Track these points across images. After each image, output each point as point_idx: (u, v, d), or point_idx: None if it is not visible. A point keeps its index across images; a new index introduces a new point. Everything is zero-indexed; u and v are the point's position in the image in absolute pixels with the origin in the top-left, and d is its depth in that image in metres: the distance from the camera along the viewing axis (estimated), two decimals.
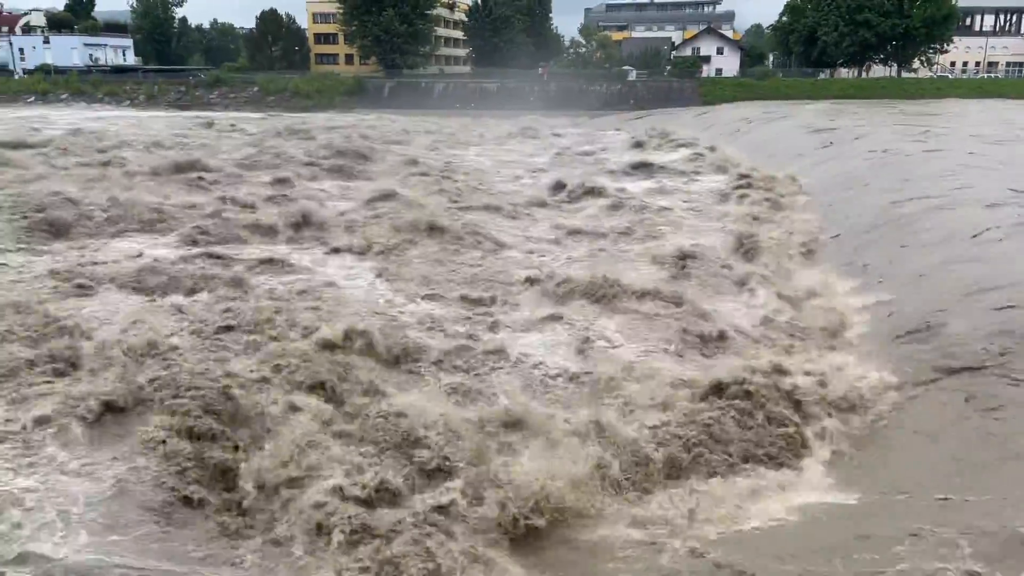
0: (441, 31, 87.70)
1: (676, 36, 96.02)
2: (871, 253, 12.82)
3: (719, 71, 77.02)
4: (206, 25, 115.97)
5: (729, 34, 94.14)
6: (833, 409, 7.73)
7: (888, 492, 6.28)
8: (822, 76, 69.51)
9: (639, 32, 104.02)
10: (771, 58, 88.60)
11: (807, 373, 8.39)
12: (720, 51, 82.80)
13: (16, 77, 72.82)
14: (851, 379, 8.23)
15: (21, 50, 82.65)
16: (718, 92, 59.01)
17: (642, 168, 24.80)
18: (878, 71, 72.10)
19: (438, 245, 14.34)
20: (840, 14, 65.31)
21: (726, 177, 22.32)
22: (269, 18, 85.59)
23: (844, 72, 72.93)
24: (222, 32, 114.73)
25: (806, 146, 25.56)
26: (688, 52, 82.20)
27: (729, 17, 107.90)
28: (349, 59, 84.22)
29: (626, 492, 6.53)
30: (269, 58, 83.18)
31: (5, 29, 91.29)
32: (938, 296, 9.74)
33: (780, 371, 8.23)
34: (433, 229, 14.92)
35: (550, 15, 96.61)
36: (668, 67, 76.08)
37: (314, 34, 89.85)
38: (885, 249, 12.67)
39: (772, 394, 7.67)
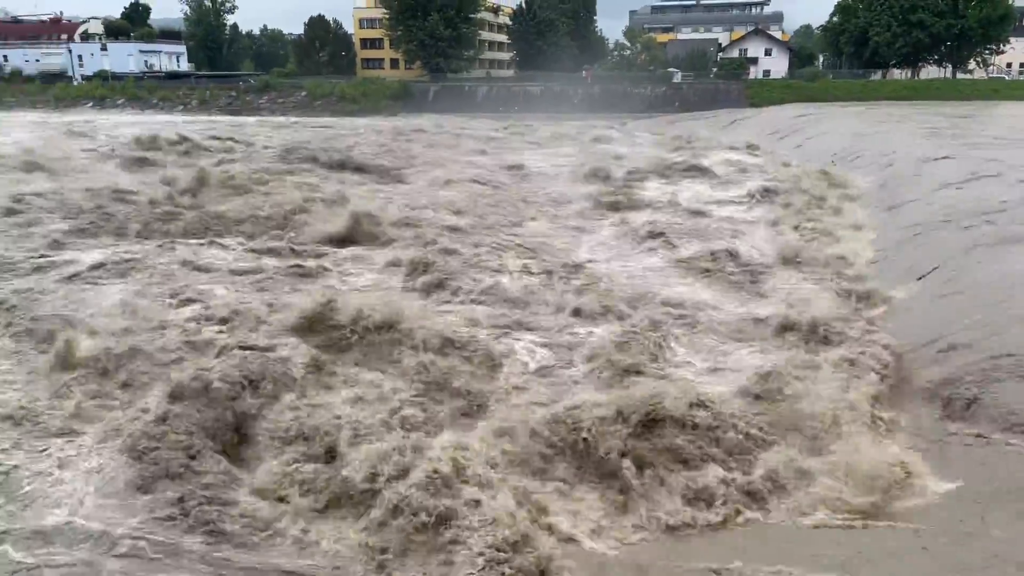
0: (485, 35, 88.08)
1: (723, 37, 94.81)
2: None
3: (767, 73, 75.82)
4: (256, 31, 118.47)
5: (778, 35, 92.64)
6: None
7: None
8: (874, 77, 67.93)
9: (685, 34, 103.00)
10: (821, 59, 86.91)
11: None
12: (768, 52, 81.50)
13: (75, 83, 75.30)
14: None
15: (80, 57, 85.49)
16: (765, 94, 58.11)
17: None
18: (931, 72, 70.21)
19: None
20: (893, 14, 63.78)
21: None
22: (317, 24, 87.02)
23: (897, 73, 71.18)
24: (271, 38, 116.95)
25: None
26: (735, 54, 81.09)
27: (778, 18, 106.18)
28: (395, 64, 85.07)
29: None
30: (317, 63, 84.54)
31: (64, 37, 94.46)
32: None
33: None
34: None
35: (594, 18, 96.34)
36: (714, 69, 75.19)
37: (360, 39, 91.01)
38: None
39: None
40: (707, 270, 13.05)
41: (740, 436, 7.01)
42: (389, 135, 36.42)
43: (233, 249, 14.25)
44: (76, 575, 5.40)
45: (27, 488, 6.36)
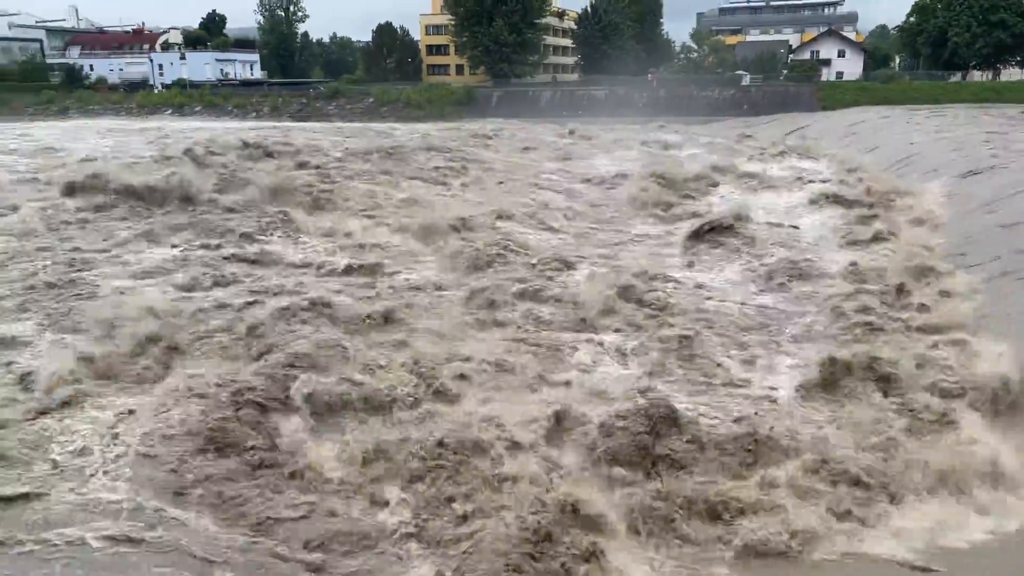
0: (549, 40, 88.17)
1: (794, 39, 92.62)
2: None
3: (840, 75, 73.70)
4: (326, 39, 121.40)
5: (851, 36, 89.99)
6: None
7: None
8: (953, 79, 65.24)
9: (754, 35, 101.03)
10: (897, 61, 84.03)
11: None
12: (841, 54, 79.22)
13: (156, 91, 78.54)
14: None
15: (160, 66, 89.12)
16: (838, 96, 56.38)
17: None
18: (1013, 74, 67.08)
19: None
20: (973, 14, 61.24)
21: None
22: (384, 31, 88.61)
23: (976, 75, 68.21)
24: (341, 46, 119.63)
25: None
26: (807, 55, 79.13)
27: (852, 18, 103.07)
28: (460, 70, 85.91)
29: None
30: (383, 70, 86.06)
31: (146, 47, 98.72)
32: None
33: None
34: None
35: (661, 21, 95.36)
36: (784, 71, 73.46)
37: (426, 46, 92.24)
38: None
39: None
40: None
41: None
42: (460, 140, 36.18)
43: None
44: None
45: None
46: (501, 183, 23.59)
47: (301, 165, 24.57)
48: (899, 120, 36.27)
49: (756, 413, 8.10)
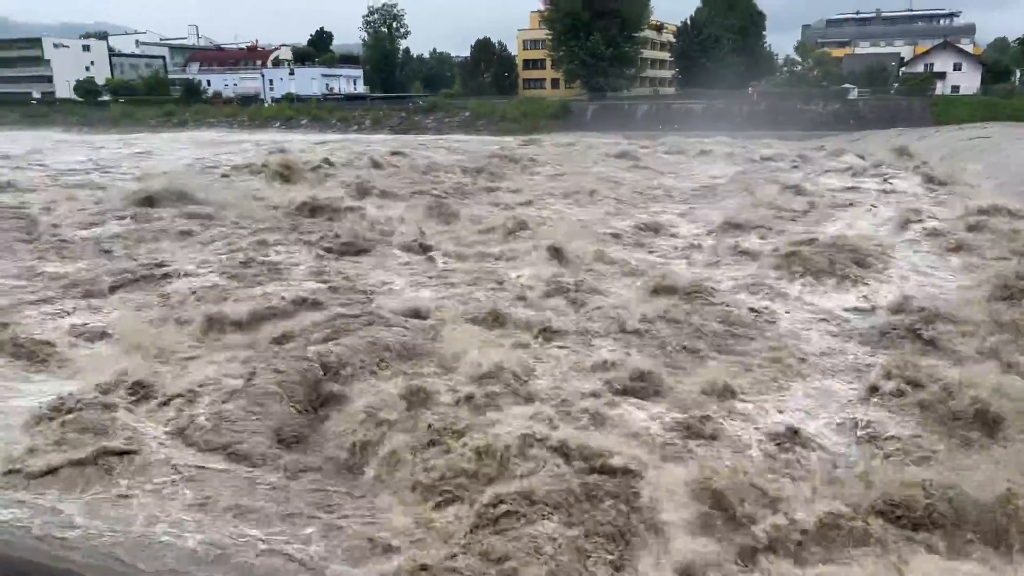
0: (647, 53, 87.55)
1: (906, 51, 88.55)
2: None
3: (955, 89, 69.84)
4: (426, 55, 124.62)
5: (968, 48, 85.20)
6: None
7: None
8: None
9: (863, 48, 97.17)
10: (1018, 75, 79.00)
11: None
12: (957, 67, 75.06)
13: (266, 105, 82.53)
14: None
15: (271, 81, 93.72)
16: (953, 112, 53.37)
17: None
18: None
19: None
20: None
21: None
22: (482, 47, 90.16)
23: None
24: (440, 60, 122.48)
25: None
26: (919, 68, 75.43)
27: (969, 30, 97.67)
28: (555, 83, 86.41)
29: None
30: (480, 84, 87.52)
31: (259, 63, 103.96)
32: None
33: None
34: None
35: (764, 33, 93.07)
36: (895, 85, 70.25)
37: (523, 60, 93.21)
38: None
39: None
40: None
41: None
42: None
43: None
44: None
45: None
46: None
47: None
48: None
49: None
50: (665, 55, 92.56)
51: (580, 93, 77.44)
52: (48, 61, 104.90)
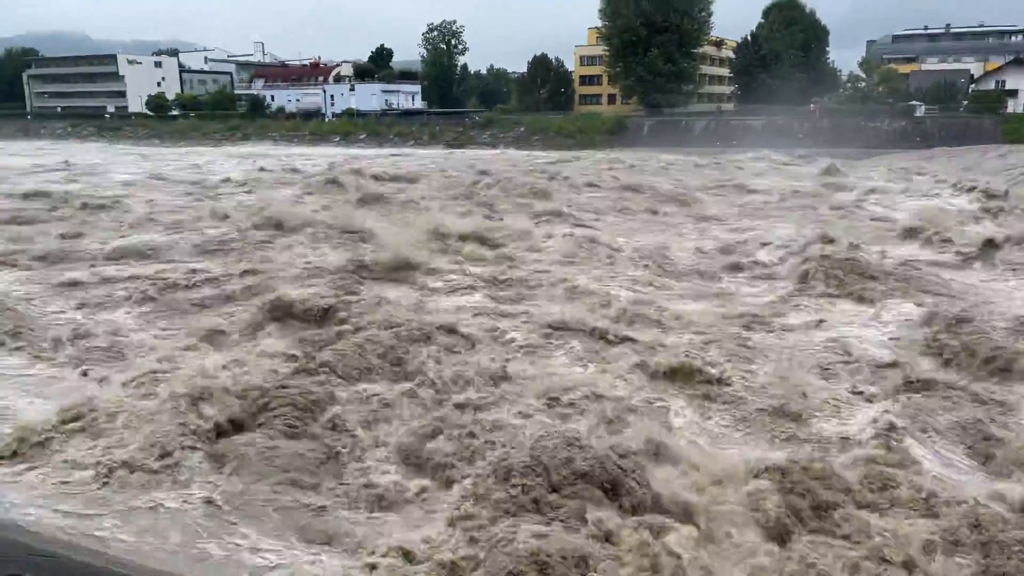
0: (706, 69, 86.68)
1: (975, 68, 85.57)
2: None
3: None
4: (483, 71, 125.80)
5: None
6: None
7: None
8: None
9: (930, 64, 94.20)
10: None
11: None
12: None
13: (326, 120, 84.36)
14: None
15: (332, 97, 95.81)
16: None
17: None
18: None
19: None
20: None
21: None
22: (539, 63, 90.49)
23: None
24: (496, 76, 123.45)
25: None
26: (991, 85, 72.77)
27: None
28: (612, 99, 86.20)
29: None
30: (536, 100, 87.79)
31: (321, 79, 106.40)
32: None
33: None
34: None
35: (827, 49, 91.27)
36: (964, 102, 67.93)
37: (580, 76, 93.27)
38: None
39: None
40: None
41: None
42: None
43: None
44: None
45: None
46: None
47: None
48: None
49: None
50: (725, 71, 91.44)
51: (637, 109, 77.03)
52: (122, 77, 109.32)
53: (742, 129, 61.89)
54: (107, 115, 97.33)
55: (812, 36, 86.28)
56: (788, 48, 79.71)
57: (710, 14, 76.87)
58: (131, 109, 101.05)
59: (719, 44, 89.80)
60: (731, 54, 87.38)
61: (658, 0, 71.36)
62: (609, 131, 65.66)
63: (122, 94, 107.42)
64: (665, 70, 71.93)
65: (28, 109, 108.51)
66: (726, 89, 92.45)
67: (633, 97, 77.77)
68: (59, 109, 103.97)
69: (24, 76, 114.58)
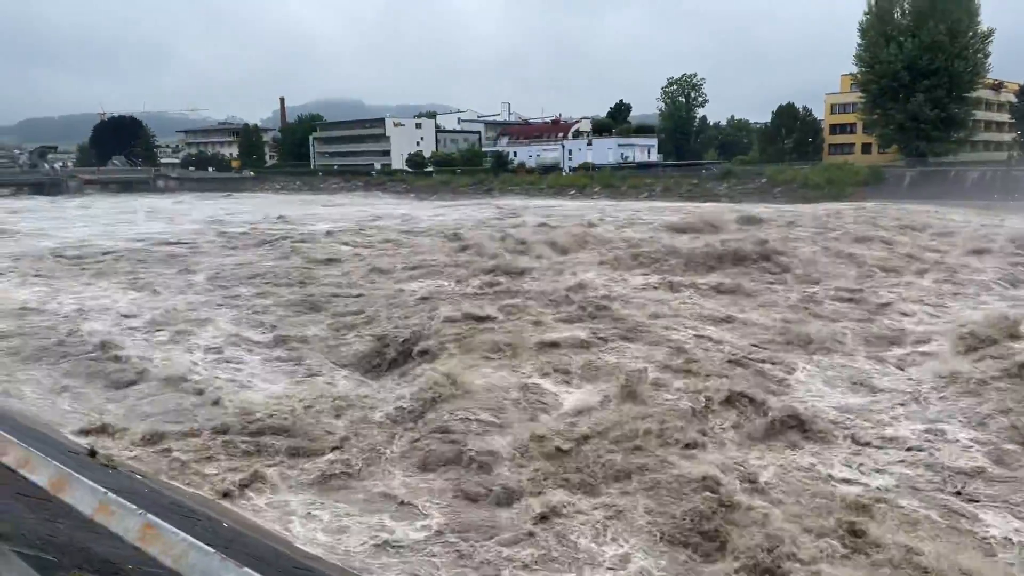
0: (981, 114, 77.46)
1: None
2: None
3: None
4: (723, 122, 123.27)
5: None
6: None
7: None
8: None
9: None
10: None
11: None
12: None
13: (563, 174, 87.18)
14: None
15: (570, 151, 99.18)
16: None
17: None
18: None
19: None
20: None
21: None
22: (785, 112, 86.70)
23: None
24: (737, 127, 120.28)
25: None
26: None
27: None
28: (866, 148, 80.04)
29: None
30: (780, 150, 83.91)
31: (561, 135, 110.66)
32: None
33: None
34: None
35: None
36: None
37: (830, 125, 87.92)
38: None
39: None
40: None
41: None
42: None
43: None
44: None
45: None
46: None
47: None
48: None
49: None
50: (1004, 116, 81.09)
51: (895, 159, 70.56)
52: (388, 137, 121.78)
53: None
54: (372, 172, 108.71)
55: None
56: None
57: (987, 55, 68.76)
58: (394, 166, 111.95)
59: (998, 87, 79.85)
60: (1013, 98, 77.39)
61: (924, 43, 65.15)
62: (863, 181, 60.60)
63: (387, 153, 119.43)
64: (931, 116, 65.25)
65: (311, 166, 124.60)
66: (1006, 136, 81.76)
67: (892, 146, 71.46)
68: (335, 166, 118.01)
69: (311, 139, 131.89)
